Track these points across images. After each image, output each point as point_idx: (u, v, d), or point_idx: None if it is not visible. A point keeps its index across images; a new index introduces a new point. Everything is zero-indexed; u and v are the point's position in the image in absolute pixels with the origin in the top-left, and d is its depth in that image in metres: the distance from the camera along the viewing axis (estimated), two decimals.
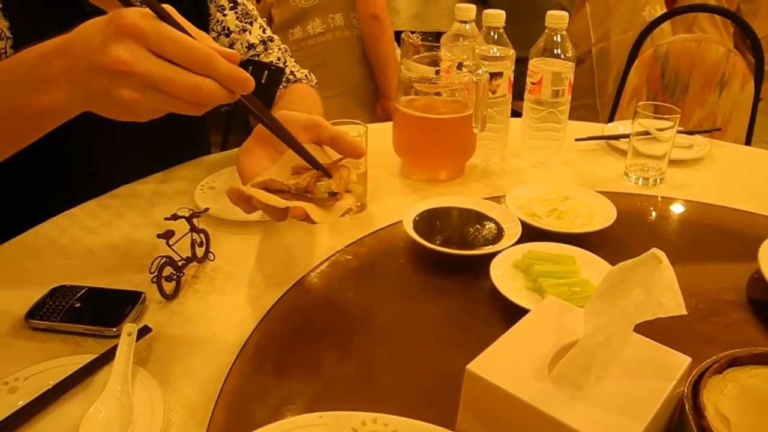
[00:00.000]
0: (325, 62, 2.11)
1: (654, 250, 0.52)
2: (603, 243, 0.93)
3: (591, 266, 0.84)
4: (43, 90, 0.67)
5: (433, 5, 3.14)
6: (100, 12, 0.98)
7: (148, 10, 0.61)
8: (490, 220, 0.94)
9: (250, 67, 1.21)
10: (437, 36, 1.13)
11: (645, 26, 2.33)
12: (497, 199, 1.02)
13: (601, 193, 1.04)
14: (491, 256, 0.85)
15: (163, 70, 0.59)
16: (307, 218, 0.72)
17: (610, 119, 2.21)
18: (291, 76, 1.25)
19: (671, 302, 0.48)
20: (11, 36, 1.02)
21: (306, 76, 1.28)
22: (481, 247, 0.88)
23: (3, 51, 1.03)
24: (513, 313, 0.77)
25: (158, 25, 0.59)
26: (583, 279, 0.81)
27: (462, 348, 0.74)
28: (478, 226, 0.94)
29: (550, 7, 2.82)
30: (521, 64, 1.20)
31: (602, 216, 0.97)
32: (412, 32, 1.09)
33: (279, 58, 1.26)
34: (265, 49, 1.25)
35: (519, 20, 2.81)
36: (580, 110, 2.73)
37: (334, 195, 0.75)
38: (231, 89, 0.63)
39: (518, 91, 1.23)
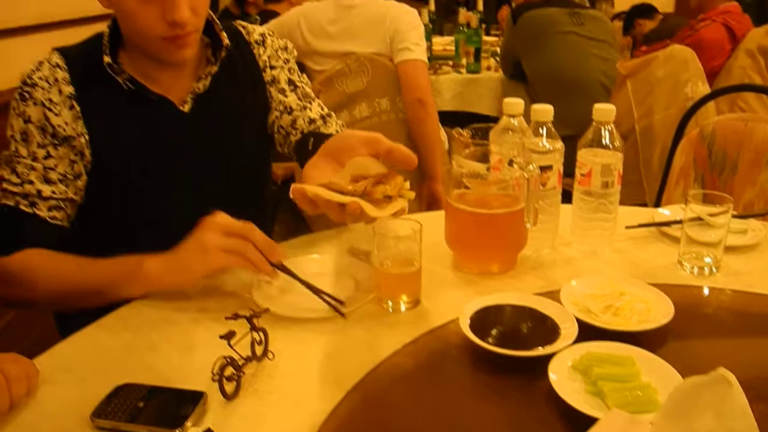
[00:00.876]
0: None
1: (722, 370, 0.52)
2: (662, 340, 0.92)
3: (652, 368, 0.83)
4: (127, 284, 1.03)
5: (474, 85, 3.22)
6: (160, 101, 1.21)
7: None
8: (546, 318, 0.95)
9: (312, 139, 1.26)
10: (486, 131, 1.16)
11: (688, 102, 2.35)
12: (551, 294, 1.02)
13: (655, 285, 1.03)
14: (549, 357, 0.86)
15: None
16: (362, 214, 0.89)
17: (658, 200, 2.21)
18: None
19: (744, 429, 0.48)
20: (86, 132, 1.15)
21: None
22: (539, 348, 0.88)
23: (81, 148, 1.15)
24: (573, 417, 0.77)
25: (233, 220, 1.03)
26: (644, 383, 0.81)
27: None
28: (534, 324, 0.94)
29: (592, 85, 2.89)
30: (566, 142, 1.21)
31: (659, 312, 0.96)
32: (462, 128, 1.13)
33: (337, 131, 1.33)
34: (325, 123, 1.34)
35: (560, 98, 2.87)
36: (626, 187, 2.71)
37: (389, 198, 0.81)
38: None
39: (566, 171, 1.24)
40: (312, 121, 1.33)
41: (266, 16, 2.94)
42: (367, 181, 0.85)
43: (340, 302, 1.02)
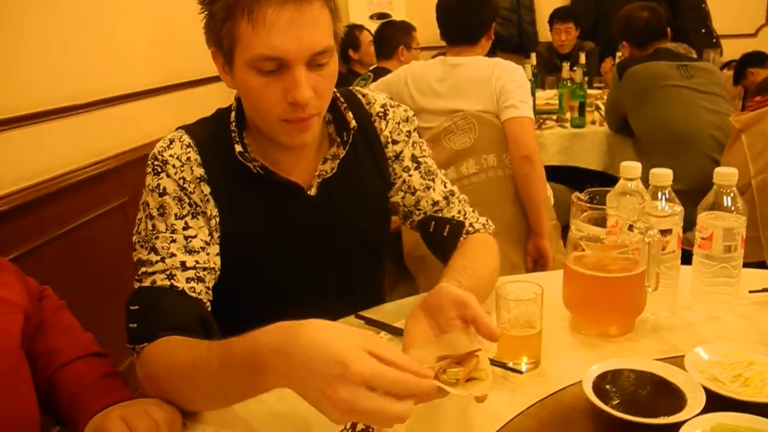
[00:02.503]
0: (479, 202, 2.18)
1: None
2: None
3: None
4: (265, 378, 0.84)
5: (579, 139, 3.21)
6: (288, 185, 1.19)
7: (370, 347, 0.77)
8: (671, 385, 0.95)
9: (433, 222, 1.32)
10: (603, 194, 1.18)
11: None
12: (675, 359, 1.02)
13: None
14: (676, 426, 0.86)
15: (375, 404, 0.75)
16: (440, 392, 0.82)
17: None
18: (470, 228, 1.34)
19: None
20: (218, 214, 1.17)
21: (484, 225, 1.37)
22: (665, 416, 0.88)
23: (214, 229, 1.17)
24: None
25: (377, 369, 0.76)
26: None
27: None
28: (659, 391, 0.94)
29: (703, 139, 2.84)
30: (678, 197, 1.21)
31: None
32: (581, 192, 1.16)
33: (460, 211, 1.35)
34: (447, 204, 1.35)
35: (670, 153, 2.82)
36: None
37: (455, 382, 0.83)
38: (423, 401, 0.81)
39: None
40: (435, 203, 1.34)
41: (378, 74, 3.04)
42: (446, 362, 0.87)
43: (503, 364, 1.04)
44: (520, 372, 1.05)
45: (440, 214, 1.34)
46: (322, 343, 0.77)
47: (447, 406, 0.98)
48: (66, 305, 1.16)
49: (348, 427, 0.88)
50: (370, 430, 0.90)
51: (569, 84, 3.44)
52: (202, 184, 1.16)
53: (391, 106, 1.34)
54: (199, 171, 1.16)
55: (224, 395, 0.94)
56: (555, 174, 2.75)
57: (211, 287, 1.15)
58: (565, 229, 1.57)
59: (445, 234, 1.33)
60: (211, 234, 1.17)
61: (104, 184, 2.47)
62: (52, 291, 1.16)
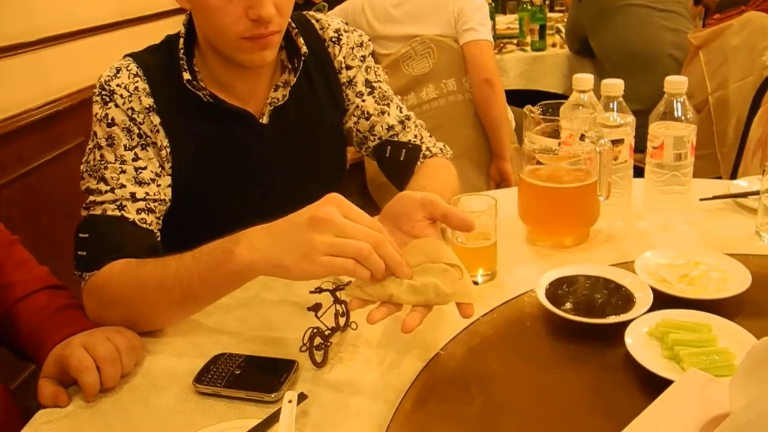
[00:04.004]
0: (440, 126, 2.20)
1: None
2: (738, 309, 0.93)
3: (728, 334, 0.85)
4: (234, 249, 0.88)
5: (540, 63, 3.19)
6: (239, 114, 1.17)
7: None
8: (621, 287, 0.97)
9: (389, 147, 1.30)
10: (556, 107, 1.18)
11: (765, 71, 2.28)
12: (625, 265, 1.04)
13: (732, 255, 1.04)
14: (624, 324, 0.88)
15: (352, 225, 0.83)
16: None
17: (734, 172, 2.16)
18: (427, 152, 1.32)
19: None
20: (169, 145, 1.15)
21: (441, 149, 1.35)
22: (614, 316, 0.91)
23: (165, 160, 1.15)
24: (650, 381, 0.79)
25: (352, 205, 0.85)
26: (721, 348, 0.82)
27: (601, 416, 0.77)
28: (609, 293, 0.96)
29: (662, 59, 2.84)
30: (636, 117, 1.22)
31: (736, 281, 0.97)
32: (532, 106, 1.15)
33: (416, 135, 1.33)
34: (403, 128, 1.32)
35: (630, 73, 2.81)
36: (699, 160, 2.65)
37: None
38: (390, 270, 0.85)
39: (637, 146, 1.25)
40: (390, 127, 1.31)
41: (333, 3, 2.97)
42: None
43: None
44: (476, 283, 1.06)
45: (396, 139, 1.32)
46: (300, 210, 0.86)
47: (400, 315, 0.99)
48: (19, 240, 1.14)
49: (305, 341, 0.89)
50: (327, 344, 0.91)
51: (529, 7, 3.39)
52: (151, 114, 1.13)
53: (345, 31, 1.31)
54: (148, 101, 1.13)
55: (188, 297, 0.95)
56: (516, 98, 2.73)
57: (161, 218, 1.14)
58: None
59: (401, 158, 1.31)
60: (161, 165, 1.15)
61: (61, 124, 2.41)
62: (3, 227, 1.14)
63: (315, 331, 0.90)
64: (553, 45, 3.36)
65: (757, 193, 1.20)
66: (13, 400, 1.01)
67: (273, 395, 0.84)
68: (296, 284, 1.09)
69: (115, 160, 1.10)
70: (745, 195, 1.31)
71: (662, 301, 0.93)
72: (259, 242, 0.87)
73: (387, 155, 1.32)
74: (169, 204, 1.16)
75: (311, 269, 0.82)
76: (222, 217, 1.16)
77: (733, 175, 2.43)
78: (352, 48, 1.31)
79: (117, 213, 1.08)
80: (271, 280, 1.11)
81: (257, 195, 1.25)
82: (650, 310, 0.91)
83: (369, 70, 1.34)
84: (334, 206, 0.83)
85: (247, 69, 1.17)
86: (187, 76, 1.14)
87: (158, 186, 1.13)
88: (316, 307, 0.91)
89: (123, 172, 1.10)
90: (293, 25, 1.22)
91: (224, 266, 0.89)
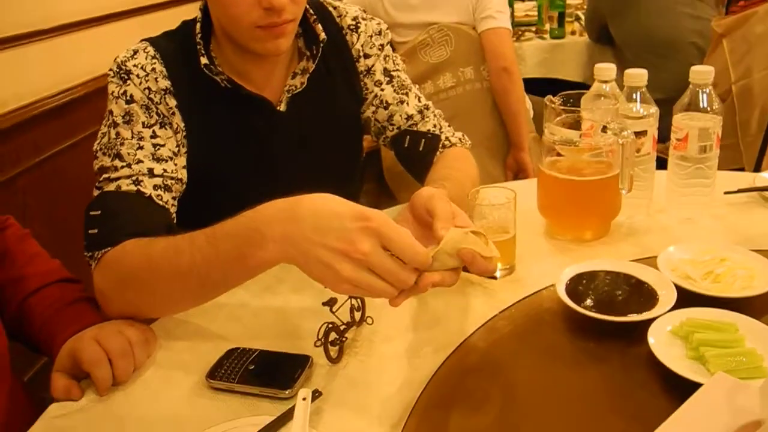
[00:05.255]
0: (457, 115, 2.17)
1: None
2: (766, 308, 0.90)
3: (755, 334, 0.82)
4: (261, 247, 0.82)
5: (559, 51, 3.14)
6: (256, 100, 1.12)
7: (386, 217, 0.77)
8: (643, 284, 0.95)
9: (408, 137, 1.28)
10: (577, 97, 1.15)
11: None
12: (648, 260, 1.02)
13: (758, 251, 1.01)
14: (647, 322, 0.86)
15: (389, 264, 0.76)
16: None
17: (758, 164, 2.12)
18: (446, 142, 1.30)
19: None
20: (185, 128, 1.13)
21: (460, 139, 1.33)
22: (636, 314, 0.88)
23: (181, 143, 1.13)
24: (673, 382, 0.77)
25: (394, 231, 0.76)
26: (749, 349, 0.80)
27: (622, 416, 0.76)
28: (631, 290, 0.94)
29: (684, 47, 2.79)
30: (658, 107, 1.19)
31: (763, 278, 0.94)
32: (553, 96, 1.12)
33: (435, 125, 1.31)
34: (422, 118, 1.30)
35: (651, 62, 2.76)
36: (722, 151, 2.62)
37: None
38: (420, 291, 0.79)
39: (658, 136, 1.21)
40: (409, 117, 1.29)
41: None
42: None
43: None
44: (494, 278, 1.04)
45: (415, 128, 1.30)
46: (334, 203, 0.79)
47: (416, 310, 0.98)
48: (30, 234, 1.13)
49: (320, 336, 0.87)
50: (343, 339, 0.90)
51: None
52: (167, 96, 1.12)
53: (363, 19, 1.30)
54: (165, 83, 1.12)
55: (206, 287, 0.91)
56: (534, 86, 2.69)
57: (177, 200, 1.12)
58: None
59: (420, 149, 1.29)
60: (178, 146, 1.13)
61: (77, 112, 2.40)
62: (15, 221, 1.13)
63: (330, 326, 0.88)
64: (573, 33, 3.31)
65: None
66: (26, 392, 1.00)
67: (287, 392, 0.83)
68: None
69: (132, 136, 1.08)
70: None
71: (686, 298, 0.90)
72: (283, 239, 0.80)
73: (406, 145, 1.30)
74: (185, 186, 1.14)
75: (331, 288, 0.80)
76: (233, 204, 1.15)
77: (757, 167, 2.38)
78: (371, 36, 1.30)
79: (132, 188, 1.04)
80: (285, 271, 1.10)
81: (272, 183, 1.20)
82: (674, 308, 0.88)
83: (387, 58, 1.32)
84: (373, 237, 0.75)
85: (262, 57, 1.16)
86: (204, 60, 1.13)
87: (176, 165, 1.11)
88: (331, 302, 0.89)
89: (140, 148, 1.08)
90: (311, 11, 1.21)
91: (247, 260, 0.84)
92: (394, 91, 1.30)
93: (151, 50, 1.14)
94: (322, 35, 1.20)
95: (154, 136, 1.10)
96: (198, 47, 1.14)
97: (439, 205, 0.84)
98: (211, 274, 0.89)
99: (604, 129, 1.08)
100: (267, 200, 0.90)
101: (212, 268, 0.88)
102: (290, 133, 1.22)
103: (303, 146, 1.24)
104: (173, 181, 1.10)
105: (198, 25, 1.15)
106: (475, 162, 1.31)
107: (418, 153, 1.29)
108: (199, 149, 1.15)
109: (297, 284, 1.07)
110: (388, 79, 1.31)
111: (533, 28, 3.38)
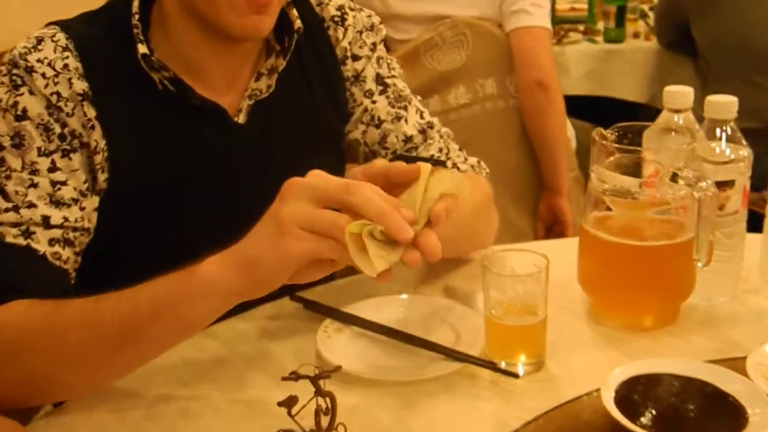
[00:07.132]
0: (471, 142, 2.15)
1: None
2: None
3: None
4: (195, 273, 0.93)
5: (616, 59, 3.18)
6: (207, 108, 1.21)
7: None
8: (727, 396, 0.95)
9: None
10: (638, 131, 1.17)
11: None
12: (733, 362, 1.03)
13: None
14: None
15: (318, 214, 0.89)
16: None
17: None
18: (454, 169, 1.32)
19: None
20: (107, 147, 1.14)
21: (473, 166, 1.36)
22: None
23: (97, 164, 1.14)
24: None
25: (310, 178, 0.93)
26: None
27: None
28: (708, 404, 0.95)
29: None
30: (751, 140, 1.20)
31: None
32: (605, 129, 1.14)
33: (441, 149, 1.34)
34: (425, 140, 1.33)
35: (745, 79, 2.77)
36: None
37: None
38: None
39: (752, 184, 1.23)
40: (408, 138, 1.32)
41: None
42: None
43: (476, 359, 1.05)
44: (515, 376, 1.04)
45: (415, 153, 1.32)
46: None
47: (408, 418, 0.98)
48: None
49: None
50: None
51: None
52: (84, 104, 1.12)
53: (351, 9, 1.33)
54: (81, 85, 1.12)
55: (128, 335, 0.96)
56: (580, 107, 2.73)
57: (80, 255, 1.13)
58: None
59: None
60: (91, 179, 1.14)
61: None
62: None
63: None
64: (635, 35, 3.36)
65: None
66: None
67: None
68: (264, 346, 1.11)
69: (23, 168, 1.08)
70: None
71: None
72: (220, 257, 0.93)
73: None
74: (92, 234, 1.15)
75: (290, 246, 0.87)
76: (172, 247, 1.12)
77: None
78: (360, 32, 1.32)
79: (21, 241, 1.05)
80: (228, 350, 1.10)
81: (223, 220, 1.23)
82: None
83: (381, 61, 1.35)
84: (292, 199, 0.91)
85: (230, 45, 1.18)
86: (143, 49, 1.13)
87: (82, 209, 1.12)
88: (289, 402, 0.89)
89: (34, 186, 1.08)
90: None
91: (184, 284, 0.93)
92: (389, 104, 1.33)
93: (61, 38, 1.13)
94: (298, 23, 1.22)
95: (53, 169, 1.10)
96: (135, 31, 1.14)
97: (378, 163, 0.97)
98: (137, 316, 0.95)
99: (674, 177, 1.09)
100: (216, 243, 0.97)
101: (140, 307, 0.95)
102: (250, 153, 1.24)
103: (267, 170, 1.23)
104: (77, 233, 1.11)
105: (135, 3, 1.15)
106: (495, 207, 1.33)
107: None
108: (126, 174, 1.16)
109: (241, 368, 1.08)
110: (381, 88, 1.33)
111: (581, 27, 3.43)
